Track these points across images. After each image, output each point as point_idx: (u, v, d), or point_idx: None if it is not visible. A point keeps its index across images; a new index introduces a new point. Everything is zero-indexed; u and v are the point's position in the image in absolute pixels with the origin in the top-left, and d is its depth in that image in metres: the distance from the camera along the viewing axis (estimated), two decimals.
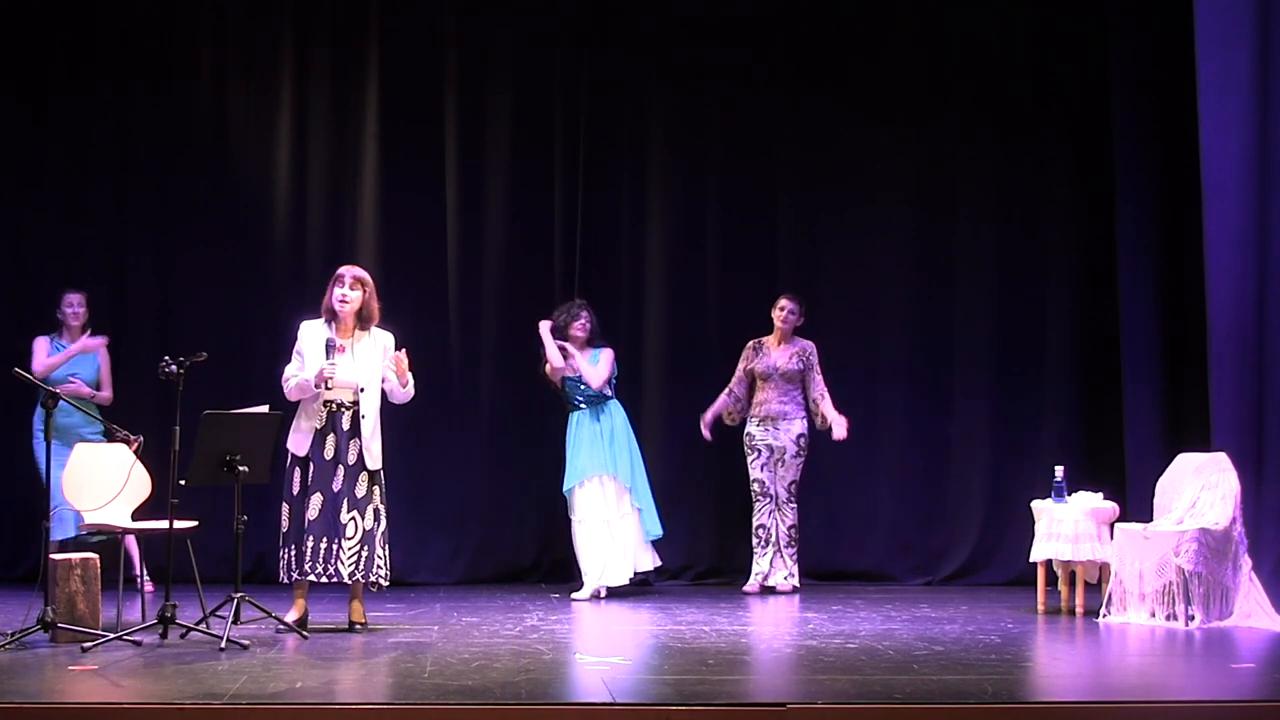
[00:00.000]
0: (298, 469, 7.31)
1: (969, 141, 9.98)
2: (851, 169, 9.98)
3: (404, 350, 7.42)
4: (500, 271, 9.81)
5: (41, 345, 8.82)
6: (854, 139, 9.96)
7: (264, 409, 7.31)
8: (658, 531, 9.00)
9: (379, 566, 7.34)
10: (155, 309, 9.55)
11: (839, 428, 9.12)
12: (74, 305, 8.86)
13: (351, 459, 7.33)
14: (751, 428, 9.28)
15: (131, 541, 8.63)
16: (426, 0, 9.82)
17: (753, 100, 9.93)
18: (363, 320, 7.44)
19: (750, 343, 9.36)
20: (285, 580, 7.34)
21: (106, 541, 7.59)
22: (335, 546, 7.25)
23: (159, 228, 9.60)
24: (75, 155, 9.59)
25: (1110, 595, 7.86)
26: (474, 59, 9.80)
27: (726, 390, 9.35)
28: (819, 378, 9.25)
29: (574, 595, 8.82)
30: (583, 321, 9.00)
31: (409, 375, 7.45)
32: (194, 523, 7.48)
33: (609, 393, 9.01)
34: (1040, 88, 9.94)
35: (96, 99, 9.60)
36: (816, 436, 9.28)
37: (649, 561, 9.04)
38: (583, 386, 8.96)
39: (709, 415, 9.32)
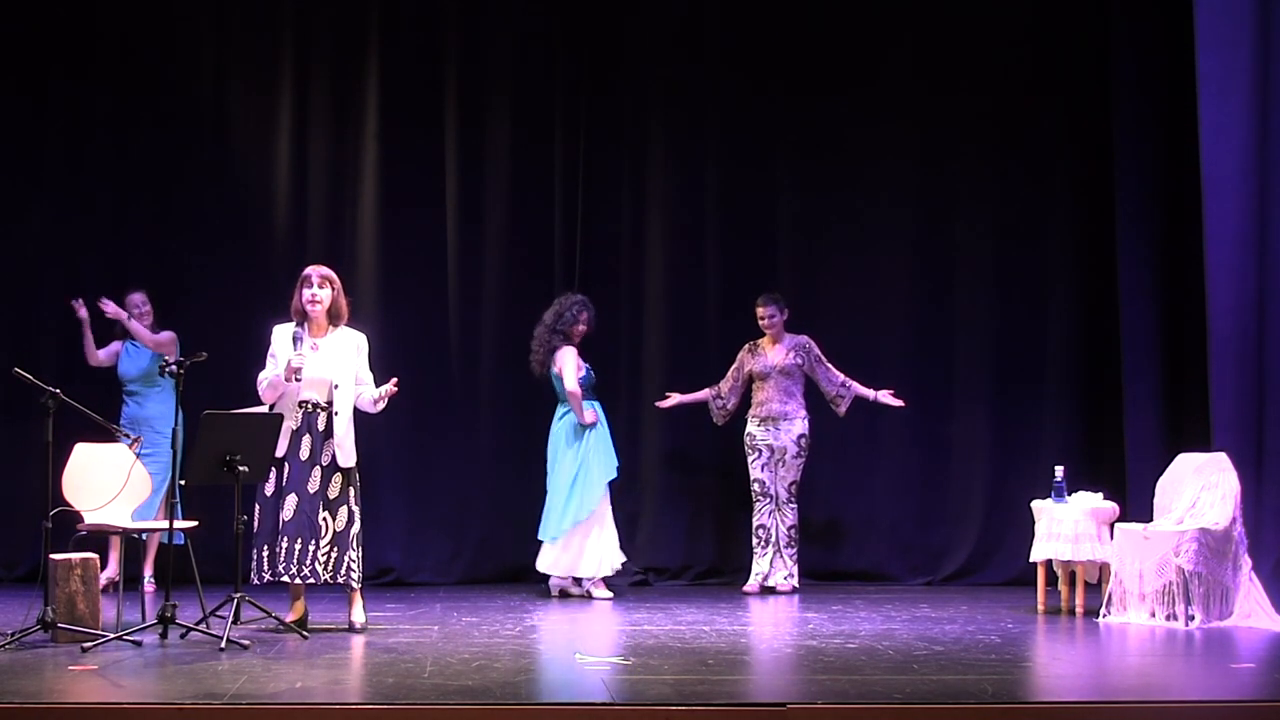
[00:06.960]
0: (273, 470, 7.29)
1: (969, 142, 9.97)
2: (852, 170, 9.97)
3: (395, 381, 7.35)
4: (500, 271, 9.81)
5: (113, 348, 9.10)
6: (855, 141, 9.96)
7: (264, 409, 7.31)
8: (555, 533, 8.88)
9: (350, 567, 7.31)
10: (155, 309, 9.53)
11: (892, 399, 9.13)
12: (139, 305, 9.08)
13: (326, 459, 7.32)
14: (752, 428, 9.27)
15: (151, 542, 8.67)
16: (427, 1, 9.82)
17: (752, 101, 9.92)
18: (333, 318, 7.43)
19: (746, 345, 9.35)
20: (257, 581, 7.32)
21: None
22: (312, 547, 7.24)
23: (159, 228, 9.58)
24: (75, 155, 9.59)
25: (1110, 595, 7.86)
26: (474, 60, 9.79)
27: (713, 387, 9.35)
28: (831, 369, 9.23)
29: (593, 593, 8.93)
30: (582, 327, 9.01)
31: (385, 401, 7.41)
32: (194, 523, 7.49)
33: (576, 391, 8.91)
34: (1040, 89, 9.93)
35: (97, 100, 9.58)
36: (817, 436, 9.27)
37: (607, 566, 8.95)
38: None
39: (681, 396, 9.33)
